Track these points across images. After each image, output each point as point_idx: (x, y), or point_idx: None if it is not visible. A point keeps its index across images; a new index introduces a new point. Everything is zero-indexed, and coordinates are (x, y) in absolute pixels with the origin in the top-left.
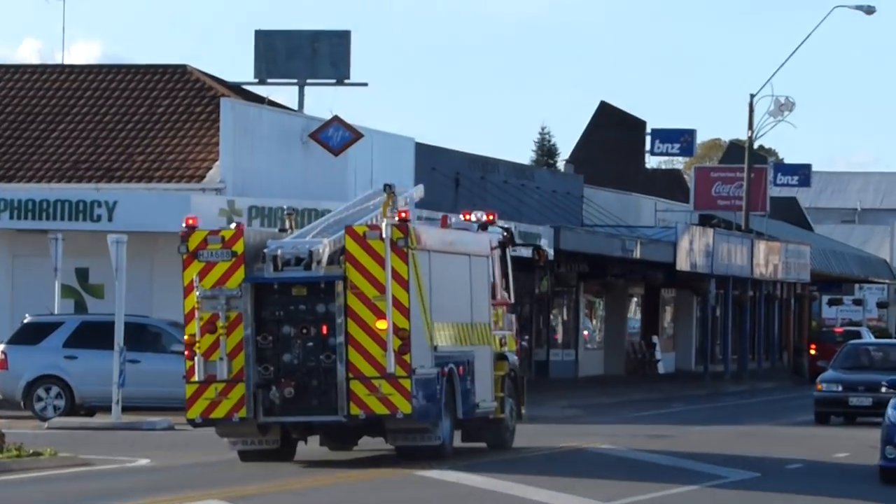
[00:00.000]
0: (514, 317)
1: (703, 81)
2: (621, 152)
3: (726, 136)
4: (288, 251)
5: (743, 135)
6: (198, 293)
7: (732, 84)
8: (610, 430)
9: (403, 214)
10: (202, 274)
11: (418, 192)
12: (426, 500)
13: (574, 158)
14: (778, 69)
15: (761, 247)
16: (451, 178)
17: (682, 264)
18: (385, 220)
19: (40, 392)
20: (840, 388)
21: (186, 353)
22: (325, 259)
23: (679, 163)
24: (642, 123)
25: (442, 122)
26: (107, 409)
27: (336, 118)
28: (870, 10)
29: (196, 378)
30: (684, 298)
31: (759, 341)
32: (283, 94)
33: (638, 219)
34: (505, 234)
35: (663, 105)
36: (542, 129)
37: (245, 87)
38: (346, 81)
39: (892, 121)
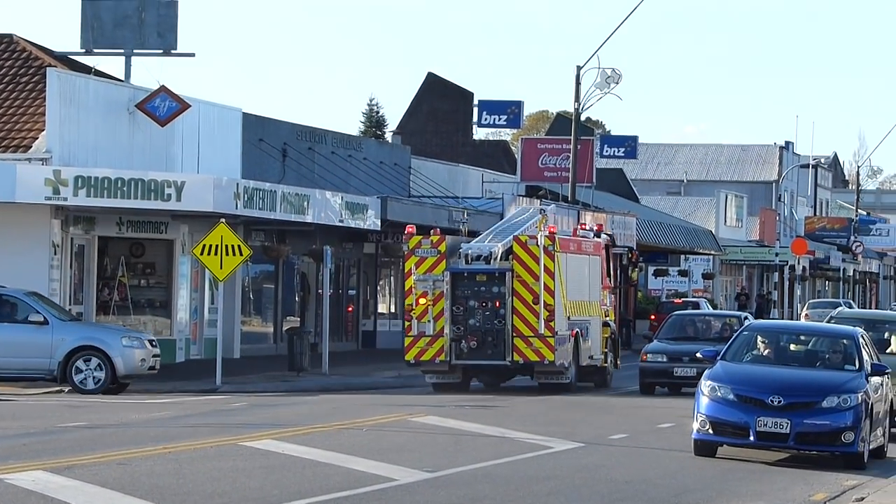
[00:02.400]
0: (612, 297)
1: (531, 53)
2: (449, 123)
3: (554, 108)
4: (475, 251)
5: (570, 107)
6: (414, 277)
7: (560, 56)
8: (436, 399)
9: (552, 229)
10: (417, 265)
11: (545, 216)
12: (247, 469)
13: (402, 129)
14: (604, 41)
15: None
16: (279, 149)
17: None
18: (540, 232)
19: None
20: (665, 359)
21: (405, 316)
22: (499, 257)
23: (506, 134)
24: (470, 95)
25: (270, 93)
26: None
27: (163, 88)
28: None
29: (412, 333)
30: None
31: None
32: (111, 64)
33: (465, 190)
34: (609, 239)
35: (491, 76)
36: (371, 100)
37: (72, 56)
38: (174, 52)
39: (718, 94)
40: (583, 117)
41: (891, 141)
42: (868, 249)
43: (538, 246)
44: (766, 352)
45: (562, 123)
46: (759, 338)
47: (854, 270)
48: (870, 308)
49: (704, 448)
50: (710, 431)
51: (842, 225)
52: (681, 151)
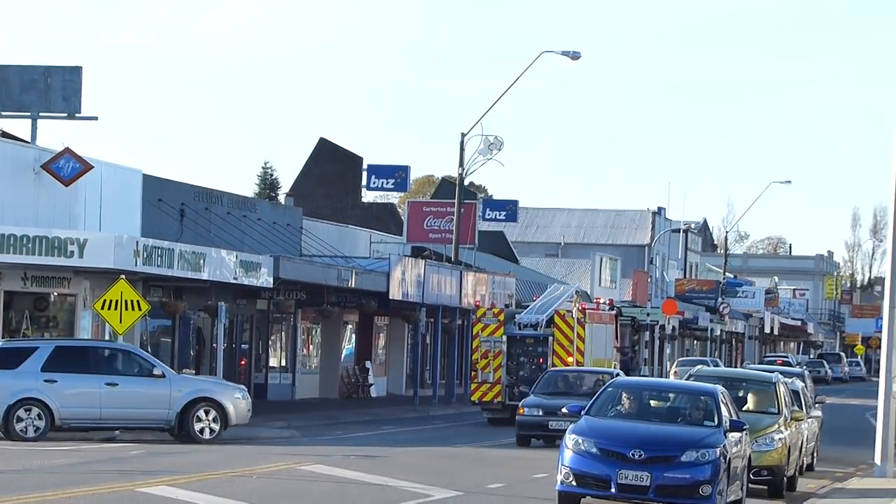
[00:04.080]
0: (618, 354)
1: (418, 120)
2: (339, 186)
3: (439, 173)
4: (525, 320)
5: (455, 172)
6: (481, 339)
7: (446, 123)
8: (324, 450)
9: (584, 306)
10: (483, 329)
11: (579, 296)
12: None
13: (294, 191)
14: (488, 110)
15: (469, 278)
16: (177, 209)
17: (395, 293)
18: (574, 307)
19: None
20: (540, 413)
21: (472, 367)
22: (543, 324)
23: (394, 197)
24: (359, 159)
25: (169, 155)
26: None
27: (67, 150)
28: (575, 56)
29: (477, 380)
30: (397, 326)
31: (466, 367)
32: (18, 126)
33: (354, 250)
34: (617, 310)
35: (380, 142)
36: (265, 163)
37: None
38: (78, 115)
39: (597, 160)
40: (466, 182)
41: (757, 208)
42: (734, 310)
43: (573, 318)
44: (629, 407)
45: (446, 188)
46: (623, 394)
47: (721, 330)
48: (735, 366)
49: (568, 499)
50: (574, 483)
51: (710, 287)
52: (559, 215)
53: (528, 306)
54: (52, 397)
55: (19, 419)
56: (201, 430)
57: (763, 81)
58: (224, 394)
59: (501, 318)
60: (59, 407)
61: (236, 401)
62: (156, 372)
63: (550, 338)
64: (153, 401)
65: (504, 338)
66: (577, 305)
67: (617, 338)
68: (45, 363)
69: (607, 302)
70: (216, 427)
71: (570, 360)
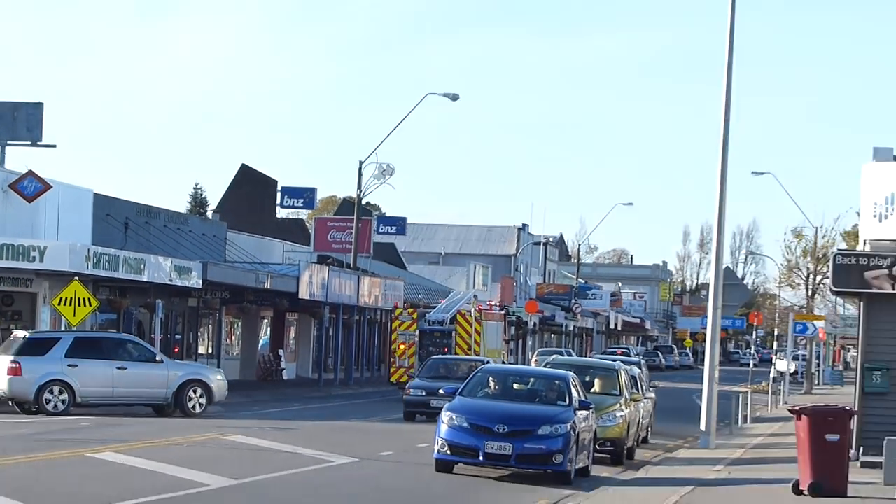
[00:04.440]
0: (506, 346)
1: (325, 150)
2: (257, 204)
3: (341, 194)
4: (434, 318)
5: (354, 193)
6: (399, 333)
7: (347, 153)
8: (243, 423)
9: (480, 307)
10: (400, 325)
11: (476, 299)
12: (92, 475)
13: (220, 208)
14: (381, 142)
15: (365, 281)
16: (122, 222)
17: (304, 293)
18: (473, 308)
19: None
20: (423, 393)
21: (392, 356)
22: (447, 321)
23: (303, 214)
24: (275, 182)
25: (117, 177)
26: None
27: (30, 172)
28: (455, 97)
29: (396, 365)
30: (304, 320)
31: (363, 355)
32: None
33: (270, 257)
34: (505, 310)
35: (293, 167)
36: (196, 184)
37: None
38: (39, 143)
39: (471, 183)
40: (363, 202)
41: (605, 225)
42: (585, 310)
43: (472, 317)
44: (495, 389)
45: (347, 206)
46: (490, 378)
47: (574, 326)
48: (585, 356)
49: (443, 466)
50: (448, 452)
51: (565, 290)
52: (440, 230)
53: (436, 307)
54: (74, 379)
55: (48, 398)
56: (193, 406)
57: (612, 118)
58: (209, 376)
59: (415, 316)
60: (80, 387)
61: (218, 381)
62: (157, 358)
63: (454, 332)
64: (154, 382)
65: (417, 332)
66: (475, 306)
67: (505, 332)
68: (68, 351)
69: (497, 304)
70: (203, 402)
71: (468, 351)
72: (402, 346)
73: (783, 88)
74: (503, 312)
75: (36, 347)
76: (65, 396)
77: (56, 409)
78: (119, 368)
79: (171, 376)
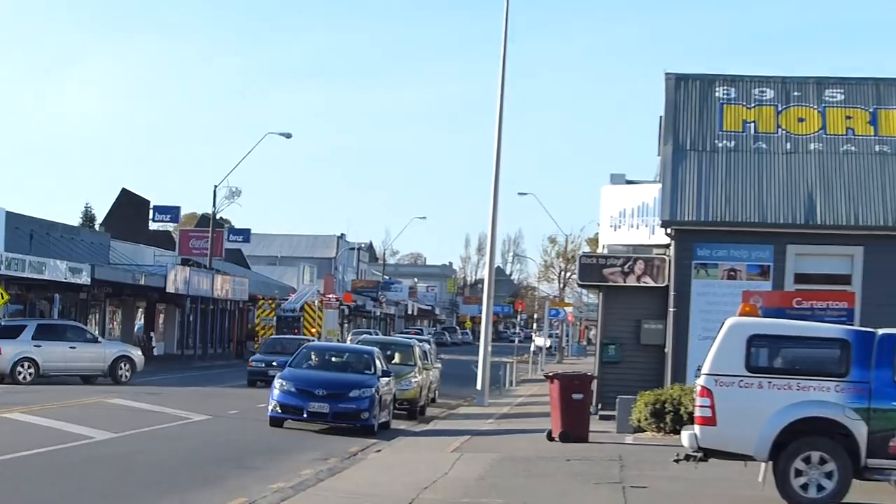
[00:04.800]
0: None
1: (188, 176)
2: (135, 219)
3: (200, 210)
4: (288, 307)
5: (210, 210)
6: (262, 318)
7: (205, 178)
8: (123, 389)
9: (321, 298)
10: (262, 312)
11: (319, 293)
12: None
13: (105, 223)
14: (231, 171)
15: (219, 279)
16: (28, 234)
17: (170, 288)
18: (316, 300)
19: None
20: (263, 365)
21: (256, 337)
22: (298, 309)
23: (170, 226)
24: (148, 201)
25: (25, 197)
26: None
27: None
28: (288, 136)
29: (258, 343)
30: (171, 309)
31: (216, 336)
32: None
33: (144, 260)
34: (339, 301)
35: (163, 189)
36: (86, 204)
37: None
38: None
39: (301, 201)
40: (217, 217)
41: (405, 234)
42: (389, 300)
43: (316, 306)
44: (317, 362)
45: (204, 220)
46: (313, 353)
47: (380, 312)
48: (388, 335)
49: (276, 422)
50: (279, 411)
51: (373, 285)
52: (277, 238)
53: (289, 300)
54: (38, 356)
55: (19, 371)
56: (121, 375)
57: (409, 150)
58: (133, 353)
59: (273, 305)
60: (43, 362)
61: (139, 356)
62: (97, 339)
63: (302, 318)
64: (96, 357)
65: (275, 318)
66: (318, 299)
67: (341, 317)
68: (34, 334)
69: (335, 297)
70: (129, 373)
71: (314, 331)
72: (262, 330)
73: (544, 126)
74: (339, 303)
75: (9, 332)
76: (32, 370)
77: (25, 379)
78: (71, 347)
79: (107, 353)
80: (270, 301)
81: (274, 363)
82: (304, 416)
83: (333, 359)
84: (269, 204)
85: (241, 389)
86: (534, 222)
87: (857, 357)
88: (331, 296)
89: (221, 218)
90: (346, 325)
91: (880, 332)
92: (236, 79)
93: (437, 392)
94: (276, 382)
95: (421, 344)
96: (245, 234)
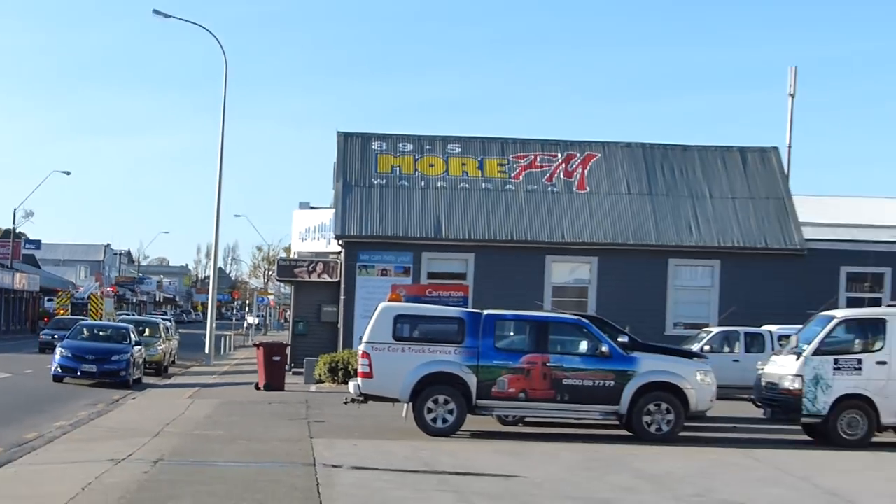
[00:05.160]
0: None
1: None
2: None
3: (4, 226)
4: (80, 296)
5: (10, 226)
6: (58, 305)
7: (8, 202)
8: None
9: (103, 291)
10: (59, 301)
11: (102, 286)
12: None
13: None
14: (27, 197)
15: (17, 276)
16: None
17: None
18: (99, 291)
19: None
20: (50, 337)
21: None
22: (85, 298)
23: None
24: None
25: None
26: None
27: None
28: (68, 173)
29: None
30: None
31: (16, 317)
32: None
33: None
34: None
35: None
36: None
37: None
38: None
39: (79, 217)
40: (17, 231)
41: (155, 243)
42: (142, 291)
43: (100, 295)
44: (88, 335)
45: (6, 234)
46: (85, 328)
47: (136, 299)
48: (142, 315)
49: (58, 379)
50: (60, 371)
51: (132, 280)
52: (61, 246)
53: (79, 291)
54: None
55: None
56: None
57: (152, 192)
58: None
59: (68, 295)
60: None
61: None
62: None
63: (88, 304)
64: None
65: (70, 304)
66: (101, 291)
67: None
68: None
69: (111, 289)
70: None
71: (98, 314)
72: (61, 311)
73: (259, 163)
74: (117, 292)
75: None
76: None
77: None
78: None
79: None
80: (67, 292)
81: (57, 336)
82: (79, 374)
83: (100, 333)
84: (61, 220)
85: (34, 356)
86: (247, 235)
87: (469, 330)
88: (108, 288)
89: (20, 232)
90: (119, 311)
91: (485, 312)
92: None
93: (176, 356)
94: (58, 350)
95: (164, 322)
96: (37, 244)
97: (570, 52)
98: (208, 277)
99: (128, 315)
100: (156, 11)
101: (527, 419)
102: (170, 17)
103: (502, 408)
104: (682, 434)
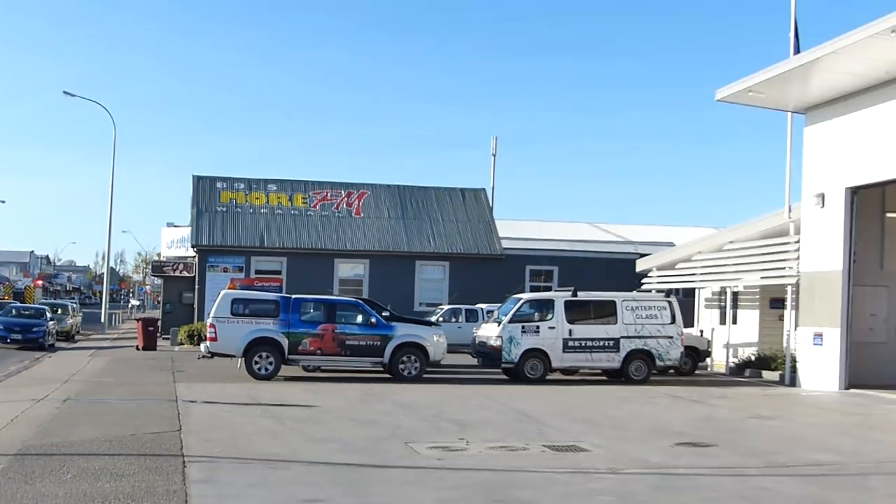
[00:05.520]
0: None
1: None
2: None
3: None
4: (18, 287)
5: None
6: (4, 293)
7: None
8: None
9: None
10: (5, 290)
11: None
12: None
13: None
14: None
15: None
16: None
17: None
18: (32, 283)
19: None
20: None
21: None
22: (23, 288)
23: None
24: None
25: None
26: None
27: None
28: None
29: None
30: None
31: None
32: None
33: None
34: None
35: None
36: None
37: None
38: None
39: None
40: None
41: (68, 251)
42: (59, 283)
43: (34, 288)
44: (16, 314)
45: None
46: (13, 309)
47: (51, 289)
48: (57, 300)
49: None
50: None
51: (49, 276)
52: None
53: (18, 283)
54: None
55: None
56: None
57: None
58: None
59: (10, 287)
60: None
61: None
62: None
63: (24, 293)
64: None
65: (13, 292)
66: (34, 283)
67: (44, 293)
68: None
69: (39, 282)
70: None
71: (33, 300)
72: (7, 297)
73: (156, 187)
74: (44, 284)
75: None
76: None
77: None
78: None
79: None
80: (10, 285)
81: None
82: (8, 341)
83: (24, 312)
84: None
85: None
86: (131, 244)
87: (283, 308)
88: (38, 281)
89: None
90: (44, 297)
91: (293, 296)
92: None
93: (79, 328)
94: None
95: (72, 304)
96: None
97: (344, 123)
98: (104, 274)
99: (46, 300)
100: (66, 92)
101: (322, 368)
102: (75, 96)
103: (306, 360)
104: (425, 376)
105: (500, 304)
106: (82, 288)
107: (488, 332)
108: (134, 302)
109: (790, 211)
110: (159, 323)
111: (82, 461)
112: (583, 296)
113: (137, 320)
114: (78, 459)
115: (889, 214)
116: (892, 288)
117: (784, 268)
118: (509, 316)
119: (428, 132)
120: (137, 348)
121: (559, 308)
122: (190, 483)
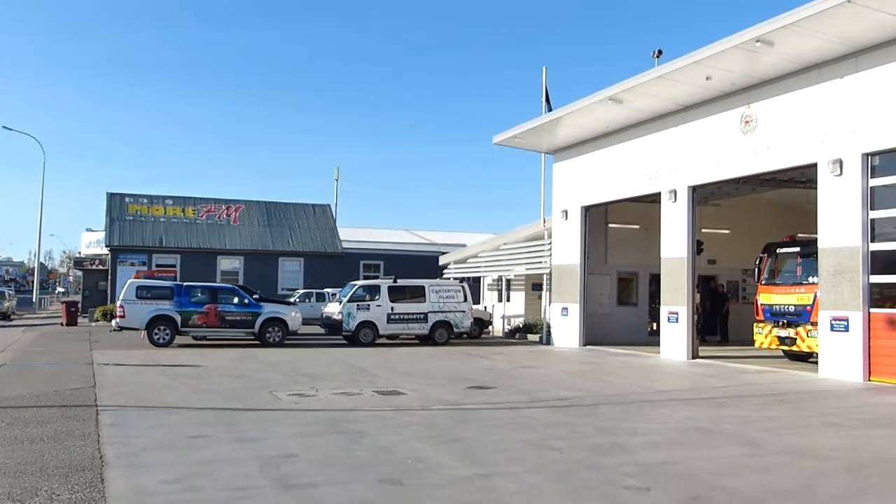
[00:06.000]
0: None
1: None
2: None
3: None
4: None
5: None
6: None
7: None
8: None
9: None
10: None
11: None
12: None
13: None
14: None
15: None
16: None
17: None
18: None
19: None
20: None
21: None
22: None
23: None
24: None
25: None
26: None
27: None
28: None
29: None
30: None
31: None
32: None
33: None
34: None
35: None
36: None
37: None
38: None
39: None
40: None
41: (6, 249)
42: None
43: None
44: None
45: None
46: None
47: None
48: None
49: None
50: None
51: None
52: None
53: None
54: None
55: None
56: None
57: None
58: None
59: None
60: None
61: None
62: None
63: None
64: None
65: None
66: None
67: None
68: None
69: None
70: None
71: None
72: None
73: (65, 207)
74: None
75: None
76: None
77: None
78: None
79: None
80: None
81: None
82: None
83: None
84: None
85: None
86: (58, 244)
87: (177, 292)
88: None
89: None
90: None
91: (185, 284)
92: None
93: (15, 309)
94: None
95: (9, 291)
96: None
97: (224, 152)
98: (35, 267)
99: None
100: (6, 127)
101: (207, 338)
102: (12, 129)
103: (195, 332)
104: (286, 342)
105: (341, 289)
106: (17, 278)
107: (332, 309)
108: (60, 289)
109: (545, 222)
110: (80, 305)
111: (14, 412)
112: (401, 282)
113: (62, 303)
114: (10, 411)
115: (611, 225)
116: (612, 276)
117: (541, 262)
118: (348, 297)
119: (284, 164)
120: (62, 325)
121: (384, 291)
122: (102, 426)
